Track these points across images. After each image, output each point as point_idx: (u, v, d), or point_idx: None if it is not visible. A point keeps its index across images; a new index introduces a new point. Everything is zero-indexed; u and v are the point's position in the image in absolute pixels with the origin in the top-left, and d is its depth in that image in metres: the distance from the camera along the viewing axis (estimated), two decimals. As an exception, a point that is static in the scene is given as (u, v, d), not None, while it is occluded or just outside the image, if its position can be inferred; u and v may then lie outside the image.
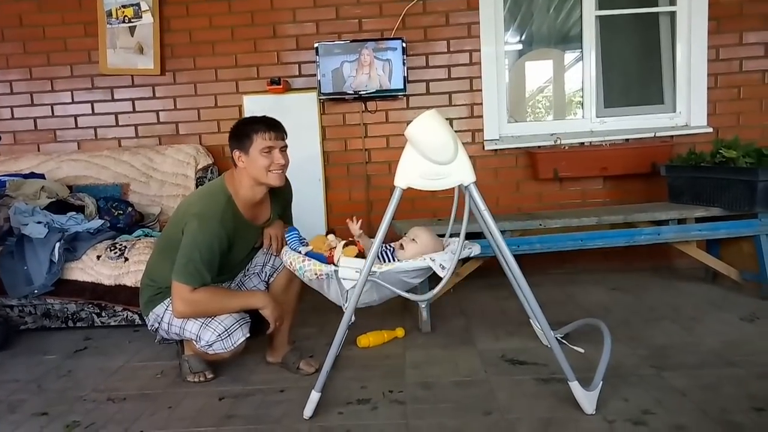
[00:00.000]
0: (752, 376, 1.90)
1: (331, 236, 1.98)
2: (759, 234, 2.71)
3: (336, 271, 1.80)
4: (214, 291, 1.96)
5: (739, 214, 2.72)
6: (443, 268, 1.79)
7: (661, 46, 3.55)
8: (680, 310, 2.63)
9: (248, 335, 2.01)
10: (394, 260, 1.94)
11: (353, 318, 1.81)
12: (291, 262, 1.88)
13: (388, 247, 2.03)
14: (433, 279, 1.88)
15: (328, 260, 1.84)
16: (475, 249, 1.94)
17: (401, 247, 1.98)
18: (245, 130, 1.97)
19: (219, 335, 1.96)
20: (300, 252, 1.90)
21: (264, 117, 2.03)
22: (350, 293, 1.79)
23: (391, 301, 3.07)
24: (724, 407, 1.70)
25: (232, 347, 1.98)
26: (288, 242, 1.98)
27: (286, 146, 2.03)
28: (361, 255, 1.85)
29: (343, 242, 1.89)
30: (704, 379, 1.89)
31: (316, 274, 1.82)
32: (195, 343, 2.03)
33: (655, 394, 1.80)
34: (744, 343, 2.19)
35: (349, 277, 1.79)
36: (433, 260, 1.81)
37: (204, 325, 1.98)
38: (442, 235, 2.13)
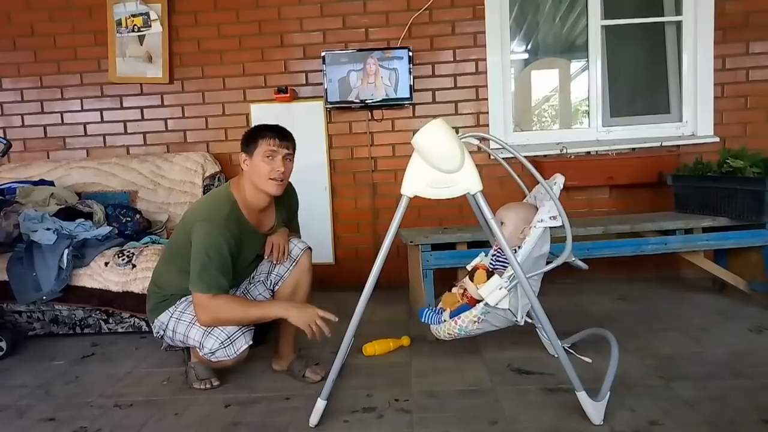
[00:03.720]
0: (761, 387, 1.88)
1: (454, 288, 2.01)
2: (767, 244, 2.69)
3: (487, 305, 1.81)
4: (234, 299, 1.99)
5: (747, 224, 2.70)
6: (555, 218, 1.76)
7: (667, 56, 3.55)
8: (688, 320, 2.62)
9: (251, 343, 2.02)
10: (504, 261, 1.91)
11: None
12: (448, 333, 1.92)
13: (493, 253, 2.01)
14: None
15: (471, 303, 1.86)
16: (559, 180, 1.88)
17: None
18: (254, 134, 2.02)
19: (222, 342, 1.97)
20: (446, 320, 1.92)
21: (276, 125, 2.06)
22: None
23: (397, 310, 3.06)
24: (733, 419, 1.68)
25: (235, 355, 1.99)
26: (429, 323, 2.00)
27: (290, 155, 2.04)
28: (489, 273, 1.86)
29: (467, 278, 1.91)
30: (712, 391, 1.87)
31: (473, 322, 1.85)
32: (198, 350, 2.03)
33: (662, 405, 1.79)
34: (752, 354, 2.18)
35: (500, 297, 1.81)
36: (541, 221, 1.80)
37: (207, 333, 1.98)
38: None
